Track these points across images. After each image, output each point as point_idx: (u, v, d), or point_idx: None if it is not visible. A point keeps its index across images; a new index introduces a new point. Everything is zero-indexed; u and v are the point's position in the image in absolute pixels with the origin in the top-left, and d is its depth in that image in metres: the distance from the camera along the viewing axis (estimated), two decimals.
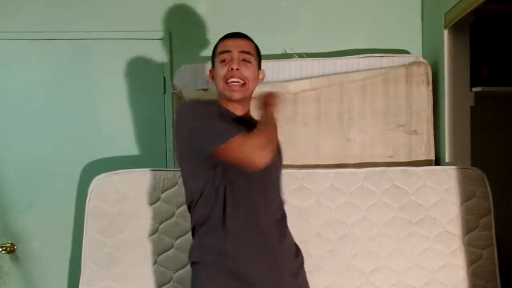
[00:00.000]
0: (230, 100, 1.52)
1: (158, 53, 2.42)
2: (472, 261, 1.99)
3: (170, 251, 1.99)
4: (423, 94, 2.25)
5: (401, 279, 1.98)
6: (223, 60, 1.50)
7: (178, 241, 1.99)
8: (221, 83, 1.51)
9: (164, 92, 2.43)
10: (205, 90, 2.23)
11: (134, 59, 2.42)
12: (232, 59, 1.49)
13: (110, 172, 2.02)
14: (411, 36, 2.46)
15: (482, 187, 2.03)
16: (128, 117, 2.43)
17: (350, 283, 1.98)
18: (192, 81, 2.28)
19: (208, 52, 2.40)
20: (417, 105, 2.25)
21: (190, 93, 2.23)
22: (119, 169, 2.03)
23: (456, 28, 2.12)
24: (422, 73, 2.25)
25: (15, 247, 2.40)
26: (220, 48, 1.53)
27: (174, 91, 2.27)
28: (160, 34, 2.41)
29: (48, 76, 2.40)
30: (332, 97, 2.25)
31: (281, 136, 1.63)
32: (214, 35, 2.41)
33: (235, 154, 1.36)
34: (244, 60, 1.50)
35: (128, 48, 2.41)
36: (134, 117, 2.44)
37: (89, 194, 1.99)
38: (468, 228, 2.01)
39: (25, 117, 2.39)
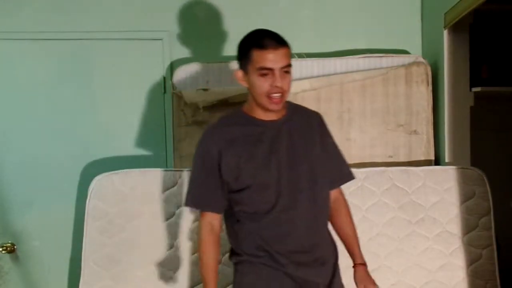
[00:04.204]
0: (268, 110, 1.51)
1: (158, 53, 2.42)
2: (471, 261, 1.99)
3: (170, 251, 1.99)
4: (423, 94, 2.25)
5: (401, 279, 1.98)
6: (264, 75, 1.45)
7: (178, 241, 1.99)
8: (261, 97, 1.47)
9: (164, 92, 2.43)
10: (205, 90, 2.23)
11: (134, 59, 2.42)
12: (274, 76, 1.44)
13: (110, 172, 2.02)
14: (411, 36, 2.46)
15: (482, 187, 2.03)
16: (128, 117, 2.44)
17: (350, 283, 1.97)
18: (192, 81, 2.28)
19: (208, 51, 2.41)
20: (417, 105, 2.25)
21: (190, 93, 2.23)
22: (119, 169, 2.03)
23: (456, 28, 2.12)
24: (422, 73, 2.25)
25: (15, 247, 2.40)
26: (259, 61, 1.44)
27: (174, 91, 2.27)
28: (160, 34, 2.41)
29: (49, 76, 2.40)
30: (332, 97, 2.26)
31: None
32: (213, 35, 2.42)
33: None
34: (285, 72, 1.47)
35: (128, 48, 2.41)
36: (134, 117, 2.44)
37: (89, 194, 1.99)
38: (468, 228, 2.01)
39: (25, 117, 2.39)
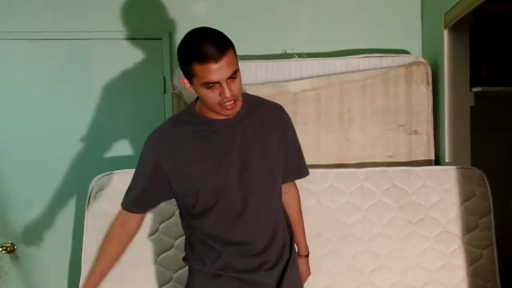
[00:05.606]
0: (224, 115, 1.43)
1: (158, 53, 2.42)
2: (472, 261, 1.99)
3: (170, 251, 1.99)
4: (423, 94, 2.25)
5: (401, 279, 1.98)
6: (210, 87, 1.33)
7: (178, 241, 1.98)
8: (212, 106, 1.38)
9: (164, 92, 2.43)
10: None
11: (134, 59, 2.42)
12: (221, 86, 1.32)
13: (110, 172, 2.02)
14: (411, 36, 2.46)
15: (482, 187, 2.03)
16: (128, 117, 2.44)
17: (350, 283, 1.98)
18: None
19: None
20: (417, 105, 2.25)
21: (190, 93, 2.22)
22: (119, 169, 2.03)
23: (456, 28, 2.12)
24: (422, 73, 2.25)
25: (15, 247, 2.40)
26: (202, 77, 1.31)
27: (174, 91, 2.26)
28: (160, 34, 2.41)
29: (48, 76, 2.40)
30: (332, 97, 2.25)
31: None
32: None
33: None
34: (232, 78, 1.34)
35: (128, 48, 2.41)
36: (134, 117, 2.44)
37: (89, 194, 1.99)
38: (468, 228, 2.01)
39: (25, 117, 2.39)
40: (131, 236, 1.56)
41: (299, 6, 2.46)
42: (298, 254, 1.74)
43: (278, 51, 2.42)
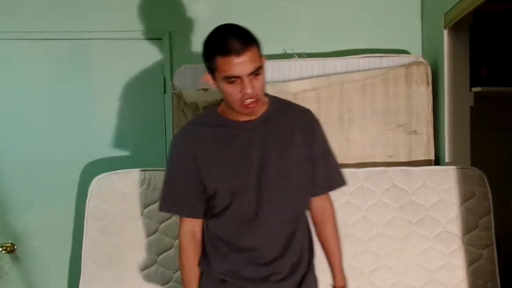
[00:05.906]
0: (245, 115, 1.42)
1: (158, 53, 2.43)
2: (471, 261, 1.99)
3: (170, 251, 1.99)
4: (423, 94, 2.25)
5: (401, 279, 1.98)
6: (232, 82, 1.32)
7: (178, 241, 1.98)
8: (233, 104, 1.37)
9: (164, 92, 2.43)
10: (205, 90, 2.23)
11: (134, 59, 2.42)
12: (243, 82, 1.32)
13: (110, 172, 2.02)
14: (411, 36, 2.46)
15: (482, 187, 2.03)
16: (128, 117, 2.44)
17: (350, 283, 1.97)
18: (192, 81, 2.28)
19: None
20: (417, 105, 2.25)
21: (190, 93, 2.23)
22: (119, 169, 2.03)
23: (456, 28, 2.12)
24: (422, 73, 2.25)
25: (15, 247, 2.40)
26: (224, 70, 1.31)
27: (174, 91, 2.26)
28: (160, 34, 2.41)
29: (48, 76, 2.40)
30: (332, 97, 2.25)
31: None
32: None
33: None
34: (255, 75, 1.33)
35: (128, 48, 2.41)
36: (134, 117, 2.44)
37: (89, 194, 1.99)
38: (468, 228, 2.01)
39: (25, 117, 2.39)
40: (200, 243, 1.54)
41: (299, 6, 2.46)
42: (334, 283, 1.64)
43: (278, 51, 2.42)
